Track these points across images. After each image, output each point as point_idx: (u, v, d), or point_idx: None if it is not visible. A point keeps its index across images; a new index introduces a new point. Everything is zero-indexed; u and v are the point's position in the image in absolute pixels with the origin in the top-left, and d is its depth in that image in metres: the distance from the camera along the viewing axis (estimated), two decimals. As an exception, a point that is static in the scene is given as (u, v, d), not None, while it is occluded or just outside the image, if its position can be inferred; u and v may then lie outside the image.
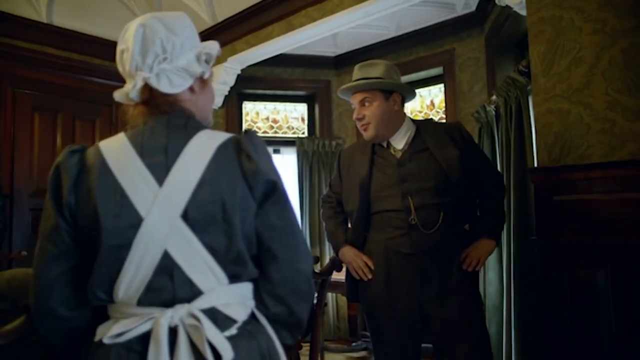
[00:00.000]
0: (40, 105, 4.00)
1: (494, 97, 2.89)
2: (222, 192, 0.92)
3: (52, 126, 4.06)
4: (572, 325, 1.88)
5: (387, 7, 2.96)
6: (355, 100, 1.94)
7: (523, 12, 2.36)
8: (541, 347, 2.10)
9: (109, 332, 0.91)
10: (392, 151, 1.93)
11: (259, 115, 4.84)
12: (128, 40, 0.99)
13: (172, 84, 1.00)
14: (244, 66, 4.06)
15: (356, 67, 1.97)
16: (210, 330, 0.89)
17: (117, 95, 1.03)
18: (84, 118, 4.28)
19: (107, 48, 4.37)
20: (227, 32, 3.91)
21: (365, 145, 2.01)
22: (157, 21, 0.99)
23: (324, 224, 2.20)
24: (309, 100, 4.93)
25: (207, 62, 1.06)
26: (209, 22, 4.03)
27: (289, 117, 4.91)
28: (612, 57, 1.90)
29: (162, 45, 0.98)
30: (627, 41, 1.87)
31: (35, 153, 3.93)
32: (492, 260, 3.10)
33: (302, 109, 4.94)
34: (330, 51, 4.62)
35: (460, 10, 3.61)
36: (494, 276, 3.05)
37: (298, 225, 1.04)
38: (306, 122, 4.93)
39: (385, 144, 1.95)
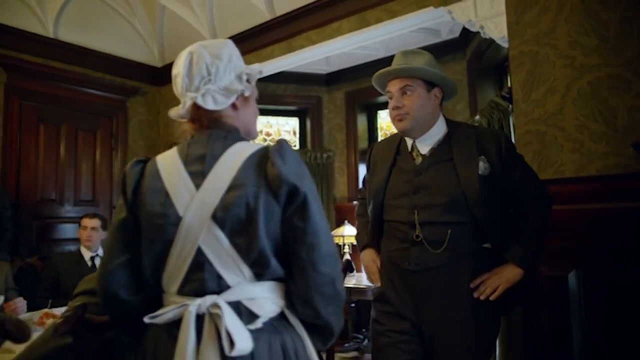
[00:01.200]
0: (44, 116, 4.15)
1: (477, 117, 3.21)
2: (247, 196, 1.01)
3: (56, 137, 4.21)
4: (547, 319, 2.14)
5: (382, 35, 3.27)
6: (393, 88, 1.73)
7: (504, 44, 2.69)
8: (523, 339, 2.32)
9: (151, 314, 1.04)
10: (415, 155, 1.77)
11: (253, 128, 5.08)
12: (179, 66, 1.13)
13: (215, 102, 1.11)
14: (243, 83, 4.29)
15: (399, 54, 1.80)
16: (231, 321, 0.97)
17: (172, 113, 1.17)
18: (85, 129, 4.43)
19: (108, 61, 4.57)
20: (228, 51, 4.13)
21: (392, 142, 1.87)
22: (203, 49, 1.12)
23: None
24: (300, 114, 5.21)
25: (248, 81, 1.16)
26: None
27: (281, 130, 5.18)
28: (580, 87, 2.22)
29: (207, 69, 1.10)
30: (592, 75, 2.19)
31: (40, 163, 4.07)
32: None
33: (293, 122, 5.22)
34: (322, 69, 4.91)
35: (445, 36, 3.94)
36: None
37: (324, 228, 1.07)
38: (297, 135, 5.21)
39: (410, 145, 1.79)
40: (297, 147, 5.13)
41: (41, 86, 4.12)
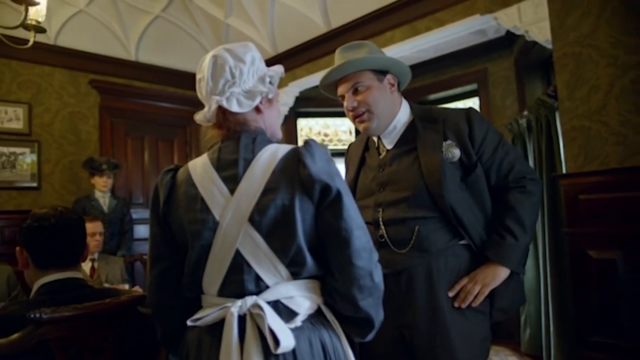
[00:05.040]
0: (131, 130, 4.73)
1: (525, 113, 3.41)
2: (282, 199, 1.01)
3: (141, 148, 4.78)
4: (597, 300, 2.32)
5: (431, 41, 3.53)
6: (344, 89, 1.56)
7: (548, 46, 2.88)
8: (573, 320, 2.50)
9: (193, 317, 1.06)
10: (381, 150, 1.63)
11: (311, 130, 5.49)
12: (203, 70, 1.12)
13: (240, 105, 1.09)
14: (302, 89, 4.67)
15: (337, 51, 1.60)
16: (273, 320, 0.97)
17: (197, 117, 1.15)
18: (164, 139, 4.98)
19: (181, 78, 5.09)
20: (288, 61, 4.51)
21: (362, 139, 1.74)
22: (226, 52, 1.11)
23: None
24: (354, 114, 5.53)
25: (271, 83, 1.15)
26: (270, 53, 4.65)
27: (338, 130, 5.54)
28: (623, 85, 2.35)
29: (231, 72, 1.09)
30: (634, 73, 2.32)
31: (129, 171, 4.65)
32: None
33: (349, 123, 5.53)
34: (374, 71, 5.19)
35: (491, 35, 4.12)
36: (530, 263, 3.55)
37: (358, 222, 1.05)
38: (353, 134, 5.54)
39: (376, 140, 1.65)
40: (353, 146, 5.46)
41: (127, 104, 4.70)
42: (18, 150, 4.09)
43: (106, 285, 2.74)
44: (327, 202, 1.02)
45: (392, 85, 1.57)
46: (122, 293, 1.33)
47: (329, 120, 5.55)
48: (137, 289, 2.85)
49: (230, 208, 1.02)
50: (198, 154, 5.15)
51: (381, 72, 1.55)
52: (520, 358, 3.59)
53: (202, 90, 1.12)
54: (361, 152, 1.69)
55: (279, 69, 1.17)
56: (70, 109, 4.38)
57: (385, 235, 1.49)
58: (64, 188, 4.31)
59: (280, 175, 1.02)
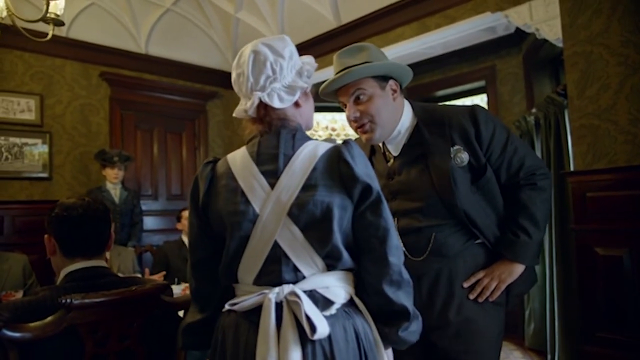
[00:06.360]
0: (140, 123, 4.76)
1: (534, 110, 3.43)
2: (321, 195, 1.03)
3: (150, 140, 4.82)
4: (603, 296, 2.35)
5: (441, 38, 3.54)
6: (344, 98, 1.50)
7: (558, 44, 2.90)
8: (579, 315, 2.52)
9: (229, 302, 1.10)
10: (387, 156, 1.60)
11: (319, 124, 5.51)
12: (242, 66, 1.12)
13: (281, 100, 1.11)
14: (312, 84, 4.69)
15: (335, 57, 1.51)
16: (309, 307, 1.00)
17: (236, 113, 1.17)
18: (173, 132, 5.01)
19: (189, 70, 5.12)
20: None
21: (364, 147, 1.67)
22: (265, 47, 1.11)
23: None
24: (361, 110, 5.56)
25: (308, 76, 1.17)
26: (279, 48, 4.67)
27: (346, 125, 5.55)
28: (633, 84, 2.37)
29: (272, 67, 1.10)
30: None
31: (138, 164, 4.68)
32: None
33: (356, 118, 5.59)
34: (382, 67, 5.21)
35: (500, 33, 4.12)
36: (536, 260, 3.58)
37: (390, 222, 1.10)
38: (360, 129, 5.57)
39: (381, 145, 1.61)
40: (359, 141, 5.49)
41: (137, 96, 4.73)
42: (30, 141, 4.14)
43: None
44: (368, 202, 1.06)
45: (395, 91, 1.51)
46: (146, 282, 1.37)
47: (337, 115, 5.58)
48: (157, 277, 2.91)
49: (270, 201, 1.05)
50: (206, 146, 5.22)
51: (383, 79, 1.48)
52: (524, 352, 3.63)
53: (242, 86, 1.13)
54: (368, 156, 1.65)
55: (312, 60, 1.19)
56: (81, 101, 4.42)
57: (401, 244, 1.47)
58: (75, 179, 4.36)
59: (320, 172, 1.05)
